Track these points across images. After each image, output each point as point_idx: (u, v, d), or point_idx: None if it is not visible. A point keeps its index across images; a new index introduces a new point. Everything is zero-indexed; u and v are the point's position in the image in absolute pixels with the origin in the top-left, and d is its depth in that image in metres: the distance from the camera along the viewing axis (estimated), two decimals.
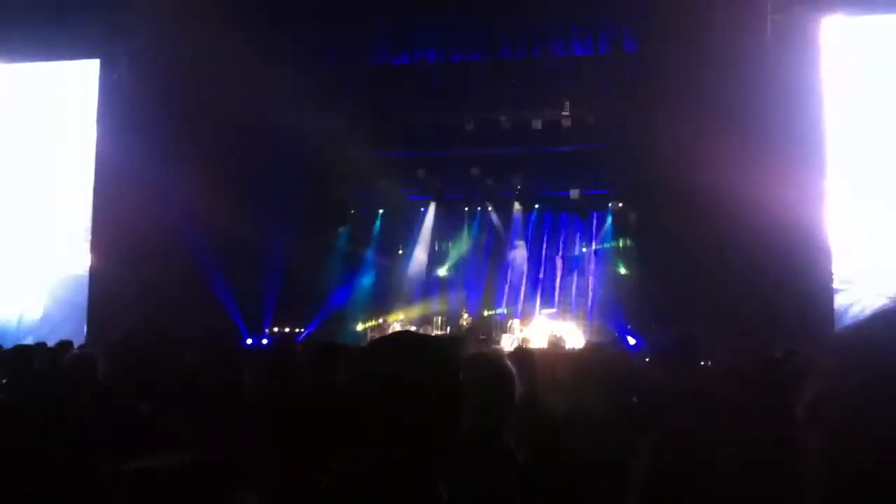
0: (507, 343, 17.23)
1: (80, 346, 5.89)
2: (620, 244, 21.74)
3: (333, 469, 1.86)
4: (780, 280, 13.88)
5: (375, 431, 1.76)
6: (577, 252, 23.15)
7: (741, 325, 13.25)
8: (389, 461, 1.75)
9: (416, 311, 21.76)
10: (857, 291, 14.04)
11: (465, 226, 23.56)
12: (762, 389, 4.62)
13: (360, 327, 20.72)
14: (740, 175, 12.88)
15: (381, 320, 20.69)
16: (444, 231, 23.13)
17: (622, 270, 21.11)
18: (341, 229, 23.33)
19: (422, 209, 23.14)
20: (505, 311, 20.51)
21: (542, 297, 22.65)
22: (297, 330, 20.83)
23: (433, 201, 22.89)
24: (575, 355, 6.49)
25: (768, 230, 13.72)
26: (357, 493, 1.74)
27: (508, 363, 1.88)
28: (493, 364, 2.51)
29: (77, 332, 13.66)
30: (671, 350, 5.34)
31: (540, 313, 21.10)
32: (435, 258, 23.40)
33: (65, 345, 8.00)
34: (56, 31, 15.53)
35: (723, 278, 14.65)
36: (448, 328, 20.48)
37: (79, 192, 15.68)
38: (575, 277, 22.83)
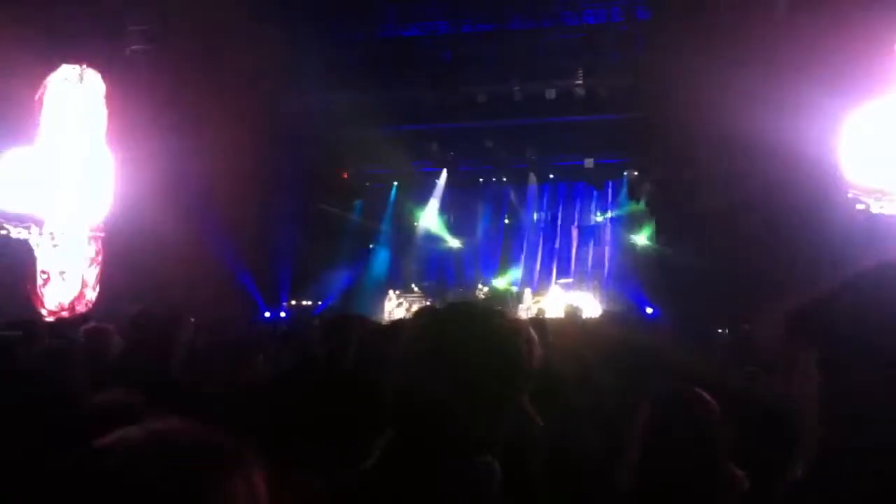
0: (523, 314, 17.25)
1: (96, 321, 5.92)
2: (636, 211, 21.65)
3: (377, 445, 1.85)
4: (800, 249, 13.78)
5: (430, 404, 1.76)
6: (592, 221, 23.11)
7: (756, 292, 13.20)
8: (443, 432, 1.75)
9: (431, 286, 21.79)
10: None
11: (480, 198, 23.55)
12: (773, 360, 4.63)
13: (377, 301, 20.75)
14: (756, 142, 12.78)
15: (397, 293, 20.73)
16: (457, 202, 23.09)
17: (639, 240, 21.01)
18: (355, 203, 23.36)
19: (435, 180, 23.10)
20: (512, 292, 20.41)
21: (557, 267, 22.66)
22: (316, 302, 20.94)
23: (445, 170, 22.80)
24: (591, 324, 6.50)
25: (785, 197, 13.63)
26: (408, 466, 1.73)
27: (531, 329, 1.88)
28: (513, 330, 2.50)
29: None
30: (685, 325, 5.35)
31: (556, 283, 21.10)
32: (448, 229, 23.39)
33: (80, 318, 8.08)
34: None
35: (739, 247, 14.58)
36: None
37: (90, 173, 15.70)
38: (591, 247, 22.81)
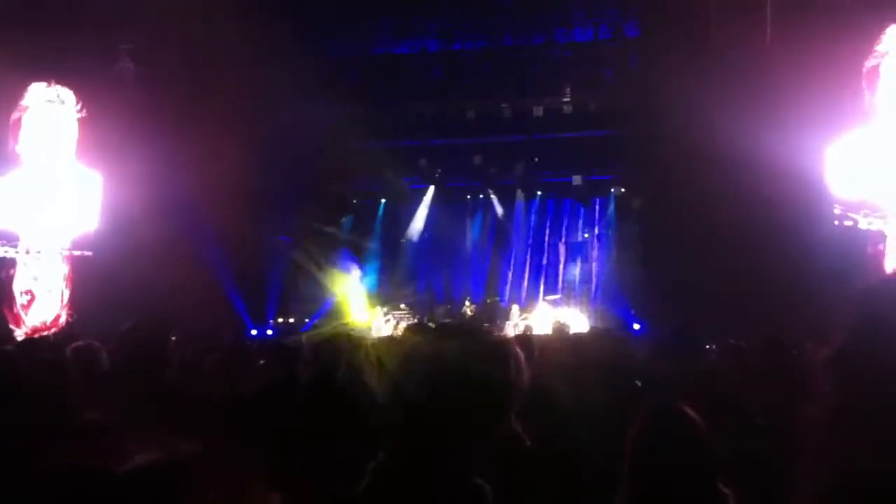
0: (510, 330, 17.24)
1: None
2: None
3: (370, 466, 1.85)
4: (787, 265, 13.85)
5: (418, 424, 1.76)
6: (579, 238, 23.15)
7: (746, 310, 13.26)
8: (433, 452, 1.75)
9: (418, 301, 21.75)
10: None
11: (468, 214, 23.58)
12: (766, 375, 4.64)
13: (365, 317, 20.70)
14: (744, 159, 12.87)
15: (385, 309, 20.67)
16: (445, 219, 23.08)
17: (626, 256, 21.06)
18: (344, 219, 23.36)
19: (423, 197, 23.13)
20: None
21: (545, 283, 22.68)
22: (304, 320, 20.88)
23: (433, 186, 22.83)
24: (579, 341, 6.51)
25: (773, 213, 13.71)
26: (398, 486, 1.73)
27: (517, 349, 1.88)
28: (502, 349, 2.51)
29: None
30: (673, 341, 5.36)
31: (543, 300, 21.10)
32: (436, 245, 23.36)
33: (66, 336, 8.04)
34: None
35: (727, 264, 14.64)
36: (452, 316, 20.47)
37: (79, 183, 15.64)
38: (578, 264, 22.84)
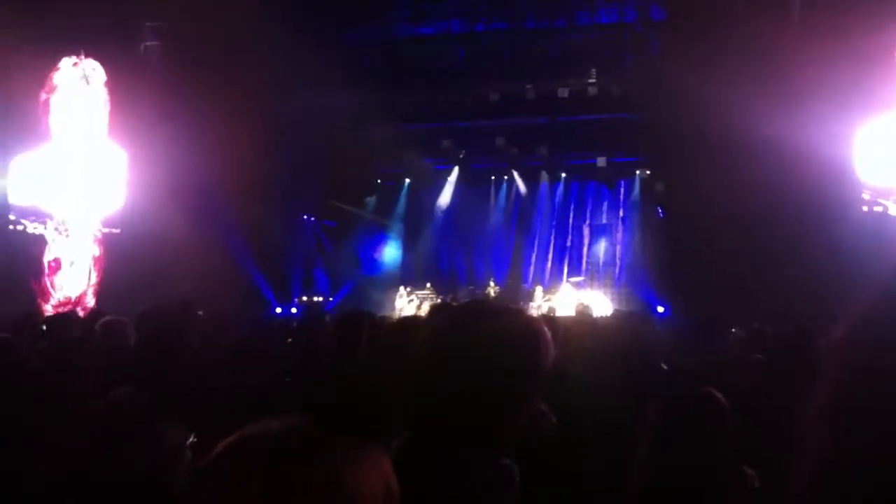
0: (534, 312, 17.24)
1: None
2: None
3: (393, 447, 1.84)
4: (814, 250, 13.74)
5: (447, 404, 1.76)
6: (604, 220, 23.07)
7: (771, 296, 13.18)
8: (460, 433, 1.75)
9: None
10: None
11: (492, 195, 23.56)
12: (788, 362, 4.62)
13: (388, 297, 20.76)
14: (769, 141, 12.75)
15: (408, 290, 20.72)
16: (469, 200, 23.06)
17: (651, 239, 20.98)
18: (368, 200, 23.41)
19: (447, 178, 23.13)
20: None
21: (569, 265, 22.64)
22: (327, 298, 21.01)
23: (457, 168, 22.83)
24: (602, 323, 6.49)
25: (799, 199, 13.59)
26: (425, 468, 1.73)
27: (546, 328, 1.87)
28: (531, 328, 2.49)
29: None
30: (700, 328, 5.35)
31: (567, 281, 21.07)
32: (460, 227, 23.36)
33: (95, 313, 8.14)
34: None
35: (752, 249, 14.56)
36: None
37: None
38: (602, 246, 22.77)
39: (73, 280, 15.44)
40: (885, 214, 13.28)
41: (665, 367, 4.37)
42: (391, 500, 1.17)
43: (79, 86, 15.64)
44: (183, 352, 3.95)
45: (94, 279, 15.57)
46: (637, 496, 2.69)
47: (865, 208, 13.29)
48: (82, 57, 15.64)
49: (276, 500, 1.04)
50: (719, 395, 2.79)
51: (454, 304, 2.03)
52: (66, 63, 15.63)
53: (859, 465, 0.95)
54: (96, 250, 15.63)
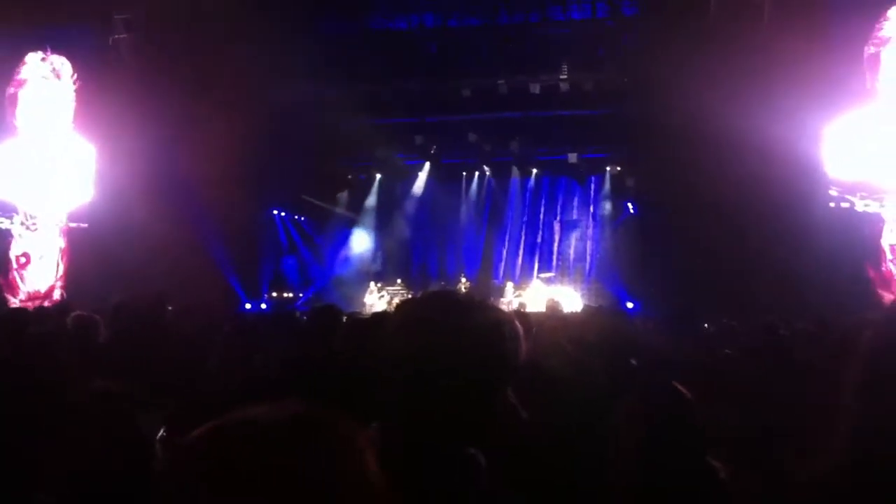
0: (505, 307, 17.27)
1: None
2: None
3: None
4: (783, 245, 13.88)
5: (418, 395, 1.76)
6: (574, 216, 23.17)
7: (740, 290, 13.32)
8: (430, 424, 1.76)
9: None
10: None
11: (463, 191, 23.57)
12: (762, 357, 4.68)
13: (358, 293, 20.73)
14: (739, 137, 12.86)
15: (378, 285, 20.70)
16: (440, 195, 23.07)
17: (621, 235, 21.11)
18: (339, 195, 23.36)
19: (418, 173, 23.13)
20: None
21: (539, 261, 22.72)
22: (297, 294, 20.95)
23: (428, 163, 22.82)
24: (573, 318, 6.53)
25: (768, 194, 13.72)
26: (393, 458, 1.73)
27: (516, 322, 1.87)
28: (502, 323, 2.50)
29: None
30: (671, 319, 5.39)
31: (537, 277, 21.15)
32: (431, 222, 23.37)
33: (63, 307, 8.04)
34: None
35: (722, 243, 14.67)
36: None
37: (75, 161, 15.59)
38: (573, 241, 22.87)
39: (41, 274, 15.30)
40: (851, 210, 13.43)
41: (634, 363, 4.40)
42: (374, 487, 1.17)
43: (46, 80, 15.48)
44: (162, 344, 3.93)
45: (60, 272, 15.42)
46: (618, 491, 2.71)
47: (833, 204, 13.44)
48: (49, 52, 15.48)
49: (259, 484, 1.04)
50: (683, 390, 2.81)
51: (421, 295, 2.02)
52: (33, 57, 15.47)
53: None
54: (62, 243, 15.47)
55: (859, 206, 13.36)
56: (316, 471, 1.08)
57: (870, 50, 13.41)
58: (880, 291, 12.95)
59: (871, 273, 13.10)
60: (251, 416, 1.12)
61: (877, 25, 13.37)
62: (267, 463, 1.05)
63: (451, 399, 1.75)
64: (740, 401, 3.86)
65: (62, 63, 15.53)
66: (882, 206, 13.38)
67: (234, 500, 1.03)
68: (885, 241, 13.29)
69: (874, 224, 13.46)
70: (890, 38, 13.38)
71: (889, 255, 13.25)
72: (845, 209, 13.45)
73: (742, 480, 2.72)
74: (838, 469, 1.05)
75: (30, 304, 13.81)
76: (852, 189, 13.39)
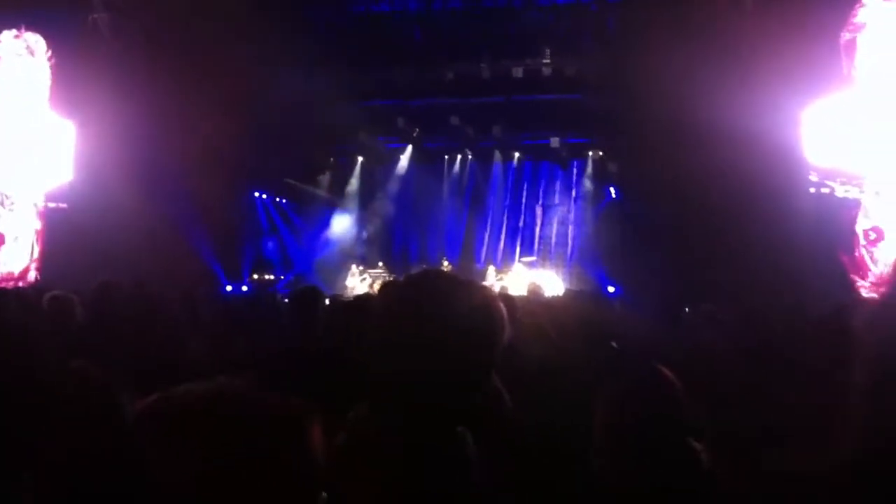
0: None
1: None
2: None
3: (350, 418, 1.84)
4: (763, 231, 13.95)
5: (404, 376, 1.75)
6: (556, 200, 23.20)
7: (721, 276, 13.37)
8: (417, 405, 1.75)
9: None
10: None
11: (445, 174, 23.55)
12: (745, 341, 4.70)
13: (340, 276, 20.70)
14: (721, 123, 12.89)
15: (360, 268, 20.68)
16: (422, 179, 23.04)
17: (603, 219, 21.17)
18: (321, 178, 23.29)
19: (400, 156, 23.09)
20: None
21: (521, 245, 22.75)
22: (279, 277, 20.90)
23: (411, 146, 22.79)
24: (555, 302, 6.53)
25: (749, 181, 13.77)
26: (380, 439, 1.72)
27: (501, 304, 1.86)
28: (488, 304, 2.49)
29: None
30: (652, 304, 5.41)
31: (519, 261, 21.17)
32: (413, 205, 23.35)
33: (40, 288, 7.99)
34: None
35: (702, 229, 14.74)
36: None
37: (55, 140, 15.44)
38: (555, 226, 22.91)
39: (15, 255, 15.15)
40: (831, 196, 13.50)
41: (615, 346, 4.41)
42: (308, 466, 1.19)
43: (21, 56, 15.28)
44: (144, 326, 3.91)
45: (36, 254, 15.27)
46: (603, 476, 2.72)
47: (813, 190, 13.50)
48: (23, 30, 15.27)
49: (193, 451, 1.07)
50: (667, 373, 2.82)
51: (405, 278, 2.00)
52: (7, 35, 15.27)
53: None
54: (38, 224, 15.31)
55: (839, 192, 13.42)
56: (236, 445, 1.11)
57: (846, 36, 13.45)
58: (853, 276, 13.03)
59: (844, 258, 13.18)
60: (190, 391, 1.16)
61: (852, 12, 13.41)
62: (194, 431, 1.11)
63: (440, 385, 1.74)
64: (721, 389, 3.88)
65: (36, 40, 15.30)
66: (862, 191, 13.44)
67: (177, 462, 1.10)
68: (860, 227, 13.36)
69: (850, 209, 13.53)
70: (865, 23, 13.42)
71: (862, 241, 13.33)
72: (825, 195, 13.51)
73: (720, 467, 2.73)
74: (838, 468, 1.05)
75: (2, 284, 13.68)
76: (832, 175, 13.45)
